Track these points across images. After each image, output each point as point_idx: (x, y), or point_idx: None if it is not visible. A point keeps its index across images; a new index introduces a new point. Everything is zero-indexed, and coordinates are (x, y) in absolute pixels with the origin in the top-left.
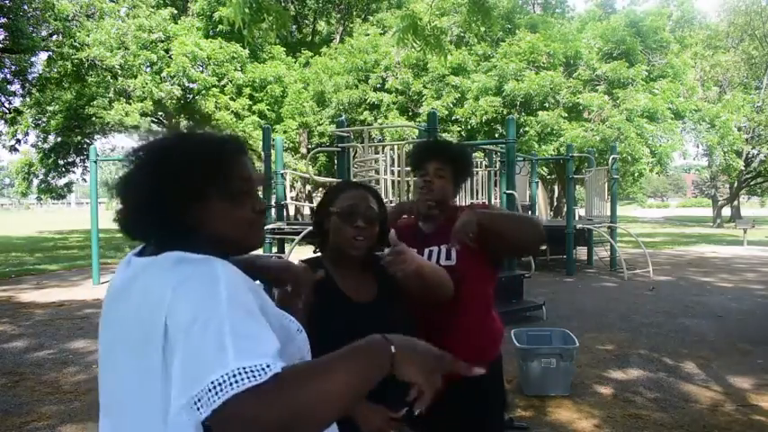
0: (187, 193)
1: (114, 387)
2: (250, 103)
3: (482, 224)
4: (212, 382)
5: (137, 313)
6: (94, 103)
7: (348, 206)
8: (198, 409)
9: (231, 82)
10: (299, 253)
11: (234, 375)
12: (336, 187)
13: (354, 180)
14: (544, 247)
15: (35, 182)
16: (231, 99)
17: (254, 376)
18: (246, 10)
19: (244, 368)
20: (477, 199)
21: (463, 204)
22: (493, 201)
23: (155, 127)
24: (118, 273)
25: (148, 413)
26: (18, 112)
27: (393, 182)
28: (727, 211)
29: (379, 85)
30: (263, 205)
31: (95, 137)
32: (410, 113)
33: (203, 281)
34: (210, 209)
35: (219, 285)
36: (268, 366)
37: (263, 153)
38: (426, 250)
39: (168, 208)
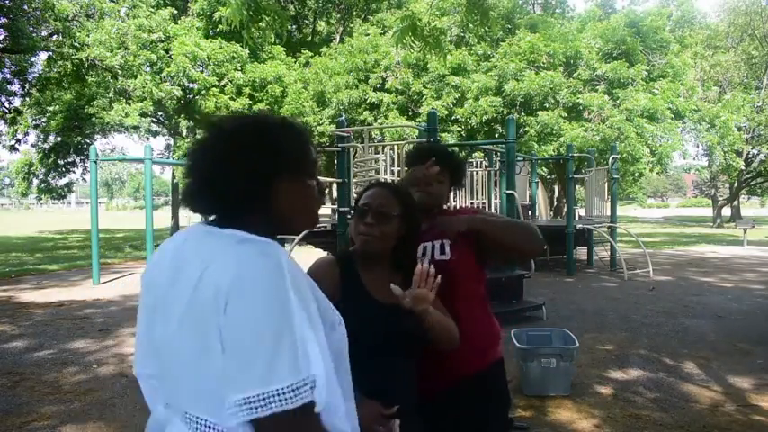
0: (269, 170)
1: (168, 353)
2: (250, 103)
3: (474, 228)
4: (268, 392)
5: (195, 287)
6: (94, 103)
7: (361, 203)
8: (254, 407)
9: (231, 82)
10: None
11: (282, 393)
12: (365, 187)
13: (383, 182)
14: (545, 247)
15: (35, 182)
16: (231, 99)
17: (307, 393)
18: (245, 11)
19: (291, 387)
20: (477, 199)
21: (454, 207)
22: (493, 201)
23: (155, 127)
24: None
25: (206, 386)
26: (18, 112)
27: (393, 182)
28: (727, 211)
29: (379, 85)
30: (325, 185)
31: (95, 137)
32: (410, 113)
33: (269, 269)
34: (286, 186)
35: (285, 279)
36: (311, 388)
37: None
38: (421, 246)
39: (250, 183)
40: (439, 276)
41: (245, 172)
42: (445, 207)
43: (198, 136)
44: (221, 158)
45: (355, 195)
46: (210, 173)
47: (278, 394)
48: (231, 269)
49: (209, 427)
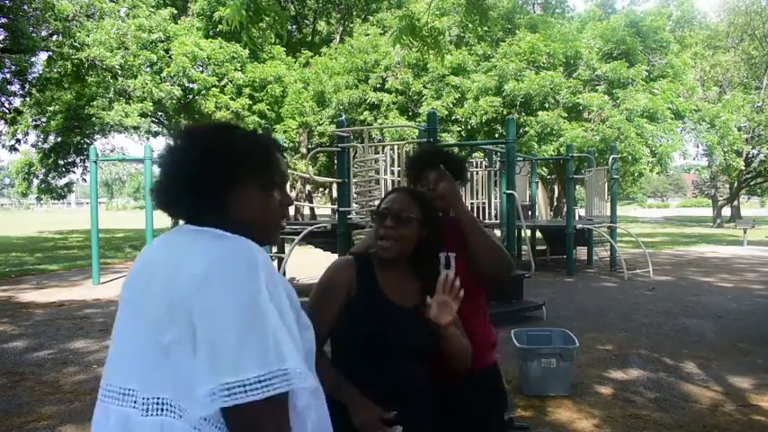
0: (230, 175)
1: (133, 353)
2: (250, 102)
3: (457, 213)
4: (234, 383)
5: (166, 284)
6: (94, 103)
7: (382, 207)
8: (221, 396)
9: (231, 82)
10: (300, 253)
11: (265, 380)
12: (388, 191)
13: (404, 187)
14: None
15: (35, 182)
16: (231, 99)
17: (274, 386)
18: (244, 12)
19: (259, 378)
20: (477, 199)
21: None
22: (493, 201)
23: (155, 127)
24: (154, 246)
25: (176, 382)
26: (18, 112)
27: (393, 182)
28: (727, 211)
29: (379, 85)
30: (290, 200)
31: (95, 137)
32: (410, 113)
33: (241, 263)
34: (246, 194)
35: (258, 270)
36: (283, 381)
37: None
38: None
39: (210, 185)
40: (462, 290)
41: (205, 176)
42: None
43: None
44: (185, 161)
45: (355, 195)
46: (175, 175)
47: (244, 385)
48: (204, 261)
49: (181, 412)
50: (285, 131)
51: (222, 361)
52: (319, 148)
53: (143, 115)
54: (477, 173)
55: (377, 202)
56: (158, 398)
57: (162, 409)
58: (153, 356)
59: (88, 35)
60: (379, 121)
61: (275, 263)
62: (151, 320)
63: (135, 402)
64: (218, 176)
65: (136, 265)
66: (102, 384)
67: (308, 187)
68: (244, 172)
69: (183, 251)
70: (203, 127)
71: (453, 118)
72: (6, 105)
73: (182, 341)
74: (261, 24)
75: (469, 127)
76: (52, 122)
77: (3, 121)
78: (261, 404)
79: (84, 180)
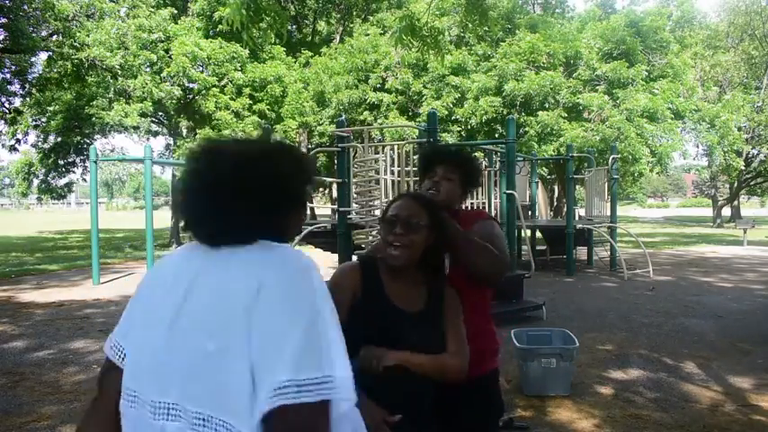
0: (301, 198)
1: (169, 362)
2: (250, 102)
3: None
4: (302, 381)
5: (219, 293)
6: (94, 103)
7: (389, 215)
8: (278, 395)
9: (231, 82)
10: None
11: (318, 383)
12: (393, 198)
13: (410, 192)
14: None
15: (35, 182)
16: (231, 99)
17: (325, 391)
18: (244, 11)
19: (315, 380)
20: (477, 199)
21: (468, 209)
22: (493, 201)
23: (155, 127)
24: (176, 260)
25: (231, 387)
26: (18, 112)
27: (393, 182)
28: (727, 211)
29: (379, 85)
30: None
31: (95, 137)
32: (410, 113)
33: (301, 272)
34: (299, 213)
35: (312, 276)
36: (333, 383)
37: None
38: None
39: (283, 208)
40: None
41: (283, 199)
42: (464, 208)
43: (227, 147)
44: (262, 184)
45: (355, 195)
46: (243, 197)
47: (299, 386)
48: (263, 269)
49: (227, 429)
50: (285, 131)
51: (281, 361)
52: (319, 148)
53: (143, 115)
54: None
55: (377, 202)
56: (201, 413)
57: (209, 427)
58: (195, 365)
59: (88, 35)
60: (379, 121)
61: None
62: (195, 329)
63: (175, 416)
64: (293, 200)
65: (161, 277)
66: (127, 387)
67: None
68: (308, 193)
69: (234, 261)
70: (275, 148)
71: (453, 118)
72: (6, 105)
73: (231, 347)
74: (261, 24)
75: (469, 127)
76: (52, 122)
77: (3, 121)
78: (311, 407)
79: (84, 180)
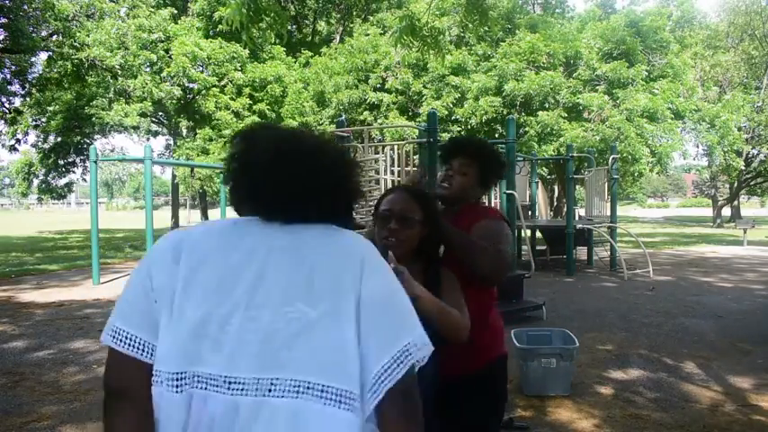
0: (359, 192)
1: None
2: (250, 102)
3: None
4: (407, 344)
5: (312, 264)
6: (94, 103)
7: (382, 209)
8: (409, 354)
9: (231, 82)
10: None
11: (425, 342)
12: (385, 192)
13: (403, 185)
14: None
15: (35, 182)
16: (231, 99)
17: (427, 348)
18: (244, 10)
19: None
20: None
21: (486, 205)
22: (493, 201)
23: (154, 127)
24: (228, 237)
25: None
26: (18, 112)
27: (393, 182)
28: (727, 211)
29: (379, 85)
30: None
31: (95, 137)
32: (410, 113)
33: (380, 257)
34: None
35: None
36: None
37: None
38: None
39: (357, 194)
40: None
41: (358, 186)
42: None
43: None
44: (344, 171)
45: None
46: (330, 182)
47: (416, 344)
48: (357, 245)
49: (340, 395)
50: None
51: (406, 323)
52: None
53: (143, 115)
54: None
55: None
56: (300, 381)
57: (310, 393)
58: (293, 334)
59: (88, 35)
60: (379, 121)
61: None
62: (288, 299)
63: (266, 390)
64: (356, 191)
65: (206, 253)
66: (171, 370)
67: None
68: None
69: (317, 237)
70: (334, 138)
71: (453, 118)
72: (6, 105)
73: (340, 313)
74: (261, 24)
75: (469, 127)
76: (52, 122)
77: (3, 121)
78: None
79: (85, 180)
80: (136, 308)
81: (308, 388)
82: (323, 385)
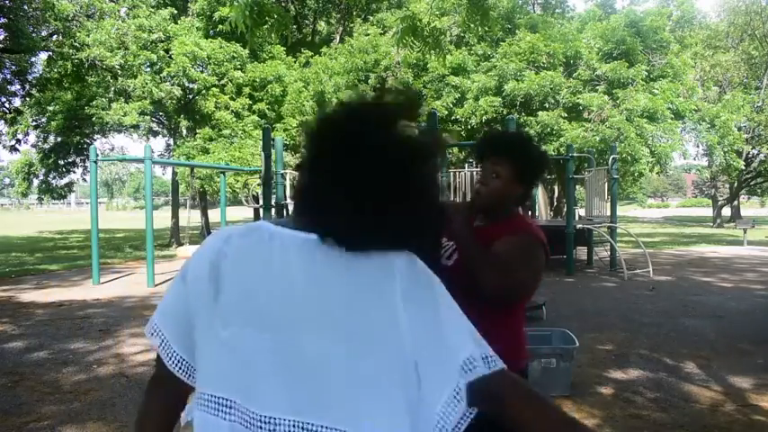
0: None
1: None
2: (250, 102)
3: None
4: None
5: (362, 285)
6: (94, 103)
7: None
8: (484, 364)
9: (231, 82)
10: None
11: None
12: None
13: None
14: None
15: (35, 182)
16: (231, 99)
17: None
18: (247, 12)
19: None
20: None
21: (531, 222)
22: None
23: (154, 126)
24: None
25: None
26: (18, 112)
27: None
28: (727, 211)
29: (379, 85)
30: None
31: (95, 137)
32: None
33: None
34: None
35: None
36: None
37: (262, 153)
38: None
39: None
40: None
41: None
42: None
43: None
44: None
45: None
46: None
47: (485, 357)
48: (399, 257)
49: None
50: (286, 129)
51: (464, 338)
52: None
53: (142, 113)
54: (477, 173)
55: None
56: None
57: None
58: (327, 371)
59: (88, 35)
60: None
61: None
62: (326, 329)
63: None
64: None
65: (247, 269)
66: (215, 394)
67: None
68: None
69: (358, 259)
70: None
71: (453, 118)
72: (6, 105)
73: (387, 342)
74: (264, 27)
75: (469, 127)
76: (52, 122)
77: (3, 121)
78: (500, 373)
79: (85, 180)
80: (172, 313)
81: None
82: None
